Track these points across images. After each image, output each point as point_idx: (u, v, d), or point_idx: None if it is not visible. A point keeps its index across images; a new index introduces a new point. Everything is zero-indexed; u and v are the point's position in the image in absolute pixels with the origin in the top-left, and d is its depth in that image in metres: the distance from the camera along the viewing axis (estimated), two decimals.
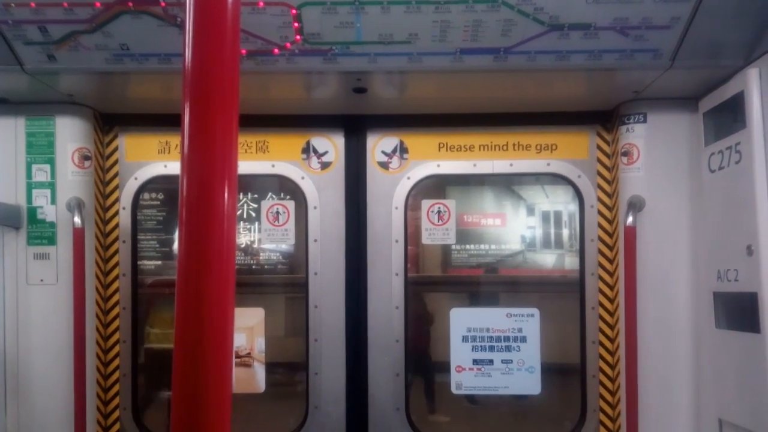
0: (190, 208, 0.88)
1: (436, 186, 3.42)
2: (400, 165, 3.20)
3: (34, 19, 2.34)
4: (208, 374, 0.87)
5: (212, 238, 0.87)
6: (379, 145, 3.20)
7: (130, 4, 2.27)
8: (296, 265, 3.51)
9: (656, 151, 2.91)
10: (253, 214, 3.43)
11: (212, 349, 0.88)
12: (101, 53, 2.45)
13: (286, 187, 3.32)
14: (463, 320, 3.21)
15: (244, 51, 2.44)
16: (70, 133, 2.98)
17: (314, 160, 3.20)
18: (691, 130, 2.85)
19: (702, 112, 2.77)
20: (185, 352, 0.88)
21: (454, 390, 3.19)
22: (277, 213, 3.24)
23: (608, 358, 3.08)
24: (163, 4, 2.27)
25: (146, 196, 3.39)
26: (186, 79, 0.88)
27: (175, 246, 3.69)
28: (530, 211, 3.70)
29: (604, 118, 3.11)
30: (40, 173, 2.95)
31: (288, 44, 2.42)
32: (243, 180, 3.43)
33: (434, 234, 3.25)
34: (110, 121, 3.17)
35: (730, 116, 2.61)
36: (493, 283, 3.59)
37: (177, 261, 0.89)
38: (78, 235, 2.84)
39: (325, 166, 3.20)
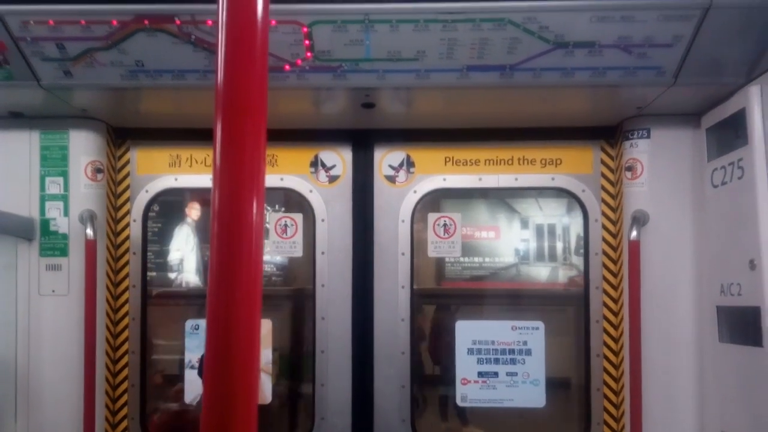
0: (221, 219, 0.93)
1: (432, 200, 3.43)
2: (407, 179, 3.25)
3: (52, 36, 2.40)
4: (236, 379, 0.92)
5: (242, 249, 0.93)
6: (386, 159, 3.25)
7: (146, 22, 2.33)
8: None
9: (660, 166, 2.95)
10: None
11: (241, 355, 0.93)
12: (116, 69, 2.51)
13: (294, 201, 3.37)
14: (468, 333, 3.23)
15: None
16: (83, 147, 3.03)
17: (322, 173, 3.25)
18: (694, 145, 2.90)
19: (705, 128, 2.82)
20: (216, 358, 0.93)
21: (459, 402, 3.21)
22: (285, 225, 3.29)
23: (612, 371, 3.10)
24: (178, 22, 2.33)
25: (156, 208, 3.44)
26: (218, 96, 0.94)
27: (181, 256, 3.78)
28: (524, 224, 3.76)
29: (609, 133, 3.15)
30: (54, 186, 3.00)
31: (299, 61, 2.47)
32: None
33: (440, 247, 3.29)
34: (122, 135, 3.23)
35: (732, 132, 2.65)
36: (493, 296, 3.63)
37: (208, 270, 0.95)
38: (90, 247, 2.88)
39: (332, 179, 3.25)
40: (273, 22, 2.33)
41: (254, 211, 0.92)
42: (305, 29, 2.35)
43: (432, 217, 3.30)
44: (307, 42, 2.40)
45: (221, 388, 0.91)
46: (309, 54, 2.45)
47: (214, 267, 0.92)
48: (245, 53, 0.92)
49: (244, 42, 0.92)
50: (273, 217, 3.31)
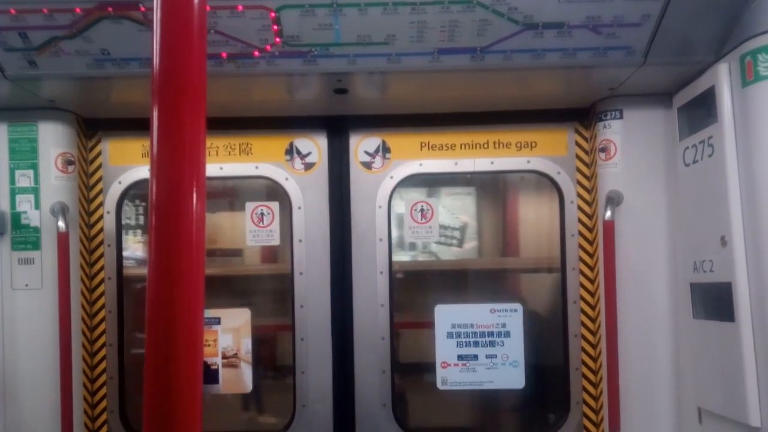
0: (159, 210, 0.89)
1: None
2: (383, 164, 3.24)
3: (15, 26, 2.36)
4: (179, 376, 0.89)
5: (182, 241, 0.89)
6: (361, 145, 3.24)
7: (110, 9, 2.29)
8: None
9: (633, 147, 2.97)
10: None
11: (183, 351, 0.89)
12: (82, 58, 2.47)
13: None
14: (447, 316, 3.24)
15: (224, 54, 2.47)
16: (52, 139, 2.99)
17: (298, 161, 3.23)
18: (666, 125, 2.91)
19: (676, 108, 2.84)
20: (156, 355, 0.89)
21: (439, 386, 3.22)
22: (262, 214, 3.27)
23: (590, 351, 3.13)
24: (142, 9, 2.30)
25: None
26: (154, 82, 0.91)
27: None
28: None
29: (582, 115, 3.16)
30: (24, 179, 2.96)
31: (268, 47, 2.45)
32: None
33: (418, 232, 3.29)
34: (93, 126, 3.19)
35: (703, 111, 2.67)
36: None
37: (147, 263, 0.91)
38: (62, 240, 2.85)
39: (308, 166, 3.24)
40: (240, 8, 2.30)
41: (195, 202, 0.89)
42: (273, 14, 2.32)
43: (409, 202, 3.30)
44: (275, 27, 2.37)
45: (164, 389, 0.88)
46: (278, 39, 2.42)
47: (152, 264, 0.88)
48: (182, 35, 0.89)
49: (181, 23, 0.89)
50: (249, 206, 3.29)
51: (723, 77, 2.43)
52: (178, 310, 0.88)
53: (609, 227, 2.87)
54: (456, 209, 3.81)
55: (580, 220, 3.16)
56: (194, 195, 0.89)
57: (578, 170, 3.17)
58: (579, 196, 3.16)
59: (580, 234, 3.16)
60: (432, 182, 3.69)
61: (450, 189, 3.81)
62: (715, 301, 2.62)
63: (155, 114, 0.89)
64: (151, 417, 0.88)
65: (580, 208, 3.16)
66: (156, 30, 0.88)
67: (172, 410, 0.88)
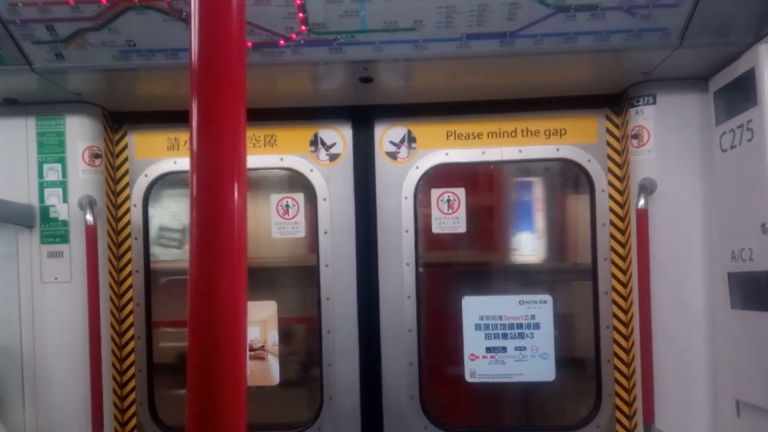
0: (200, 203, 0.87)
1: None
2: (409, 154, 3.20)
3: (41, 18, 2.35)
4: (222, 370, 0.87)
5: (223, 233, 0.87)
6: (386, 135, 3.20)
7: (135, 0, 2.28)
8: None
9: (667, 133, 2.88)
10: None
11: (226, 345, 0.87)
12: (108, 50, 2.46)
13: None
14: (475, 308, 3.20)
15: (249, 43, 2.44)
16: (79, 132, 3.00)
17: (322, 152, 3.20)
18: (702, 110, 2.83)
19: (712, 92, 2.75)
20: (199, 350, 0.87)
21: (468, 378, 3.18)
22: (287, 206, 3.25)
23: (623, 342, 3.06)
24: None
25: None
26: (193, 73, 0.88)
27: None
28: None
29: (614, 101, 3.08)
30: (52, 172, 2.97)
31: (293, 35, 2.42)
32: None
33: (444, 223, 3.24)
34: (119, 119, 3.19)
35: (741, 94, 2.58)
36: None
37: (189, 256, 0.89)
38: (90, 233, 2.86)
39: (333, 157, 3.21)
40: None
41: (236, 195, 0.86)
42: (298, 1, 2.29)
43: (435, 192, 3.25)
44: (300, 15, 2.34)
45: (207, 384, 0.86)
46: (303, 27, 2.39)
47: (194, 259, 0.86)
48: (221, 24, 0.86)
49: (220, 12, 0.86)
50: (274, 198, 3.27)
51: (763, 58, 2.35)
52: (220, 304, 0.86)
53: (642, 216, 2.80)
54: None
55: (611, 209, 3.09)
56: (236, 188, 0.86)
57: (609, 158, 3.10)
58: (610, 184, 3.09)
59: (612, 223, 3.09)
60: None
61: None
62: (754, 291, 2.54)
63: (194, 106, 0.86)
64: (194, 413, 0.85)
65: (611, 197, 3.09)
66: (194, 18, 0.85)
67: (217, 405, 0.85)
